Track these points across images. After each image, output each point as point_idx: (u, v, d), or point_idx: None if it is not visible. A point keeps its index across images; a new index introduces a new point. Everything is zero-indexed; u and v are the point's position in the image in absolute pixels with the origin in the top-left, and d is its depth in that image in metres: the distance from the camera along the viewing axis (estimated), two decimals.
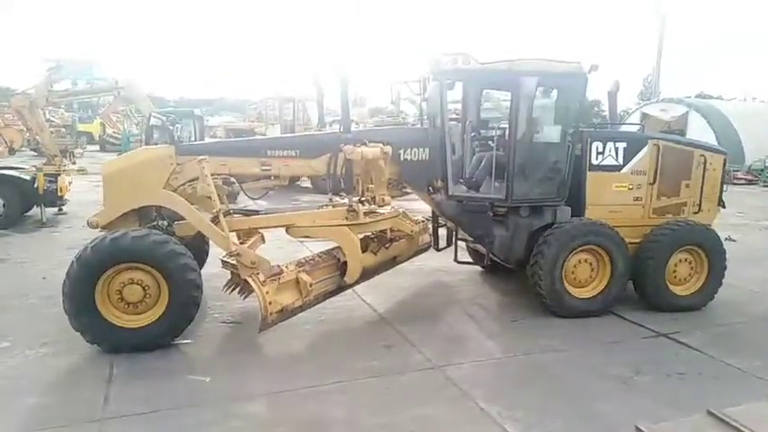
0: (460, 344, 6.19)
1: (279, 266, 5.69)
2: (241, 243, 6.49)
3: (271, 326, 5.44)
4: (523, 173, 6.82)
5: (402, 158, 6.74)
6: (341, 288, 6.32)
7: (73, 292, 5.31)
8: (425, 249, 7.80)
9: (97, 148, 34.54)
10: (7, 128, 24.33)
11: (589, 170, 7.13)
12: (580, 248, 6.80)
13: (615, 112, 8.18)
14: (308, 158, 6.48)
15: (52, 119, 24.65)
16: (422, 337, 6.14)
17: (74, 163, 18.77)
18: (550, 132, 6.95)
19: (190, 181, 6.18)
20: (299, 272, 5.70)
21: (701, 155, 7.62)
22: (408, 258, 7.49)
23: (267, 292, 5.31)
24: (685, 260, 7.27)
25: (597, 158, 7.14)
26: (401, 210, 7.05)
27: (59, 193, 12.04)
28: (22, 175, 12.05)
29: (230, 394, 4.84)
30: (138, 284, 5.47)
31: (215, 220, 5.94)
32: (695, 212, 7.63)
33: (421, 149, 6.78)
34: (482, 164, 7.16)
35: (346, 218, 6.24)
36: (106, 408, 4.56)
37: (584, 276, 6.93)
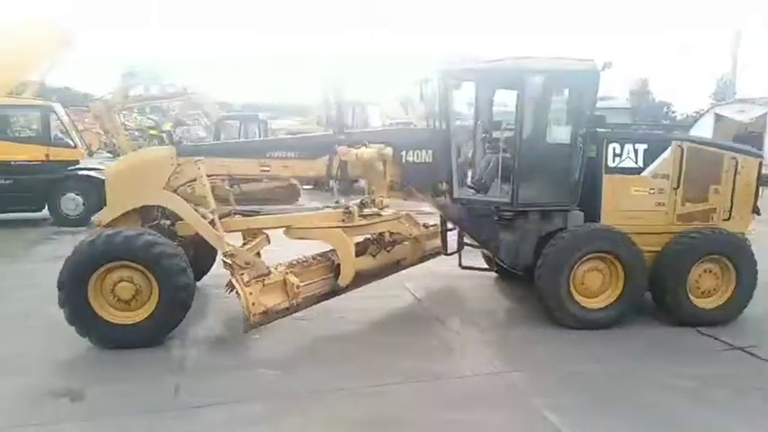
0: (515, 348, 6.12)
1: (267, 267, 5.69)
2: (245, 243, 6.57)
3: (254, 327, 5.43)
4: (530, 176, 6.56)
5: (404, 160, 6.61)
6: (335, 291, 6.24)
7: (67, 283, 5.47)
8: (436, 254, 7.63)
9: None
10: (86, 131, 25.71)
11: (605, 173, 6.76)
12: (589, 256, 6.47)
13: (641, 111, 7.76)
14: (308, 160, 6.46)
15: (126, 123, 25.89)
16: (473, 340, 6.15)
17: None
18: (560, 133, 6.64)
19: (190, 181, 6.28)
20: (286, 273, 5.67)
21: (733, 158, 7.09)
22: (416, 262, 7.34)
23: (250, 293, 5.30)
24: (710, 271, 6.78)
25: (614, 161, 6.76)
26: (403, 212, 6.91)
27: None
28: (101, 176, 12.21)
29: (293, 389, 4.98)
30: (129, 282, 5.60)
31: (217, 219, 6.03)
32: (725, 219, 7.12)
33: (424, 151, 6.63)
34: (490, 166, 6.93)
35: (342, 220, 6.18)
36: (177, 398, 4.77)
37: (596, 286, 6.58)
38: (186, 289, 5.66)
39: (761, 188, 7.28)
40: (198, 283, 6.49)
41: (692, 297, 6.73)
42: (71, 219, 12.46)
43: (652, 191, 6.87)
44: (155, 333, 5.69)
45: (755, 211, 7.29)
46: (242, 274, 5.38)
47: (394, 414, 4.61)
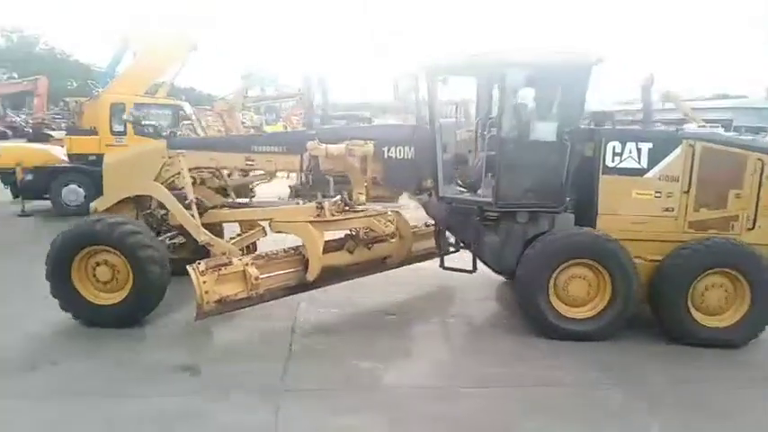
0: (607, 362, 5.77)
1: (229, 258, 5.87)
2: (240, 234, 6.85)
3: (208, 315, 5.61)
4: (513, 175, 6.23)
5: (386, 156, 6.54)
6: (304, 285, 6.29)
7: (52, 261, 5.96)
8: (429, 255, 7.44)
9: None
10: (209, 128, 27.52)
11: (603, 174, 6.26)
12: (572, 263, 6.04)
13: (649, 108, 7.02)
14: (291, 154, 6.59)
15: (245, 121, 27.50)
16: (554, 350, 5.93)
17: None
18: (545, 130, 6.22)
19: (179, 173, 6.62)
20: (247, 265, 5.80)
21: (759, 159, 6.29)
22: (405, 262, 7.19)
23: (204, 282, 5.48)
24: (719, 285, 6.07)
25: (614, 160, 6.24)
26: (386, 210, 6.80)
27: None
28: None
29: (386, 383, 5.24)
30: (106, 265, 6.01)
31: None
32: (749, 229, 6.34)
33: (406, 148, 6.51)
34: (478, 164, 6.67)
35: (316, 215, 6.22)
36: (284, 380, 5.10)
37: (581, 294, 6.12)
38: (159, 278, 5.97)
39: None
40: None
41: (695, 314, 6.06)
42: None
43: (658, 194, 6.27)
44: (128, 315, 6.05)
45: None
46: (198, 263, 5.59)
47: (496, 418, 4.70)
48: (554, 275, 6.04)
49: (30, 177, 12.54)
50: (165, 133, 7.62)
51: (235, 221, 6.94)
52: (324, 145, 6.03)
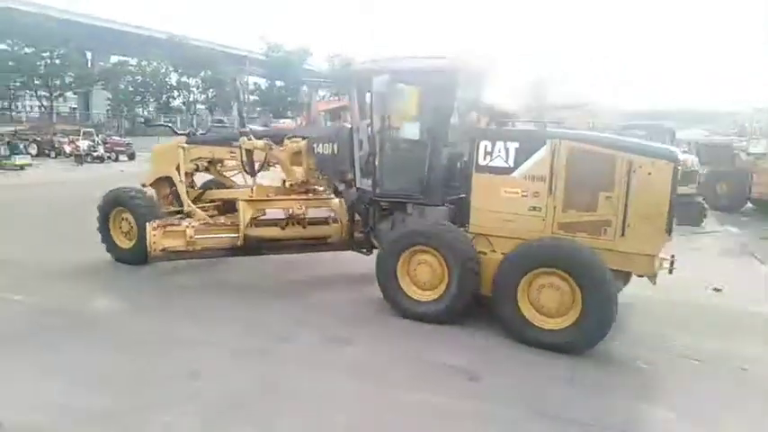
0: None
1: (179, 221, 7.94)
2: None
3: (155, 259, 7.79)
4: (388, 170, 7.01)
5: (316, 151, 7.88)
6: (236, 248, 7.95)
7: (100, 217, 8.80)
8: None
9: None
10: None
11: (476, 171, 6.60)
12: (414, 250, 6.58)
13: (542, 107, 6.76)
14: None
15: None
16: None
17: None
18: (411, 130, 6.82)
19: (192, 160, 8.95)
20: (188, 226, 7.76)
21: (629, 160, 5.90)
22: (347, 247, 8.13)
23: (154, 235, 7.63)
24: (551, 286, 5.94)
25: (485, 159, 6.54)
26: (328, 197, 8.11)
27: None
28: None
29: None
30: (126, 221, 8.64)
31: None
32: (622, 235, 5.98)
33: (330, 144, 7.74)
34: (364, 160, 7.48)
35: (249, 196, 7.93)
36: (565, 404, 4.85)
37: (426, 279, 6.61)
38: (149, 215, 8.12)
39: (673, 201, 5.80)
40: None
41: (527, 314, 6.05)
42: None
43: (525, 194, 6.38)
44: (135, 256, 8.52)
45: (668, 229, 5.85)
46: (154, 221, 7.77)
47: None
48: (401, 259, 6.66)
49: None
50: (185, 131, 9.96)
51: (219, 199, 8.99)
52: (249, 141, 7.72)
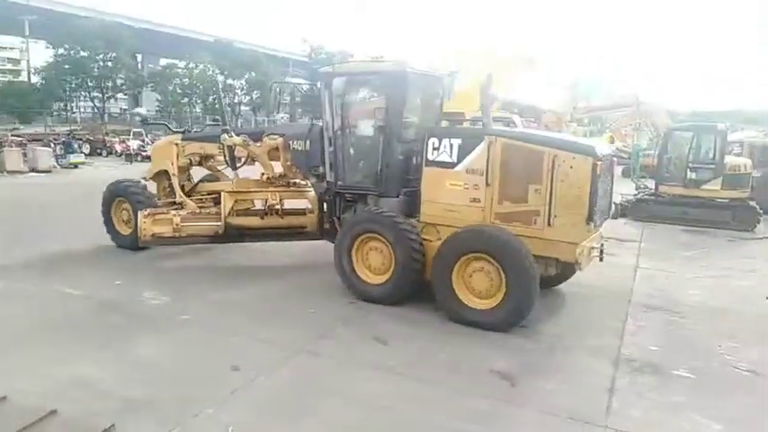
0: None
1: (168, 209, 8.75)
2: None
3: (146, 244, 8.64)
4: (344, 164, 7.65)
5: (291, 147, 8.56)
6: (218, 236, 8.70)
7: (103, 207, 9.75)
8: None
9: None
10: None
11: (425, 165, 7.16)
12: (366, 237, 7.18)
13: (487, 108, 7.13)
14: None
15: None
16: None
17: None
18: (365, 128, 7.43)
19: (186, 155, 9.78)
20: (175, 215, 8.56)
21: (554, 155, 6.34)
22: (325, 236, 8.76)
23: (144, 222, 8.48)
24: (482, 270, 6.44)
25: (433, 154, 7.09)
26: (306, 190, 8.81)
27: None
28: None
29: None
30: (126, 210, 9.54)
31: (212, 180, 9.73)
32: (549, 225, 6.43)
33: (302, 141, 8.41)
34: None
35: (230, 187, 8.69)
36: (608, 416, 4.72)
37: (377, 264, 7.20)
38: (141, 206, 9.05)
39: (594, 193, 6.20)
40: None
41: (461, 295, 6.57)
42: None
43: (466, 186, 6.89)
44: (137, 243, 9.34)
45: (590, 219, 6.27)
46: (145, 210, 8.60)
47: None
48: (355, 245, 7.29)
49: None
50: (180, 129, 10.77)
51: (208, 190, 9.78)
52: (230, 138, 8.47)
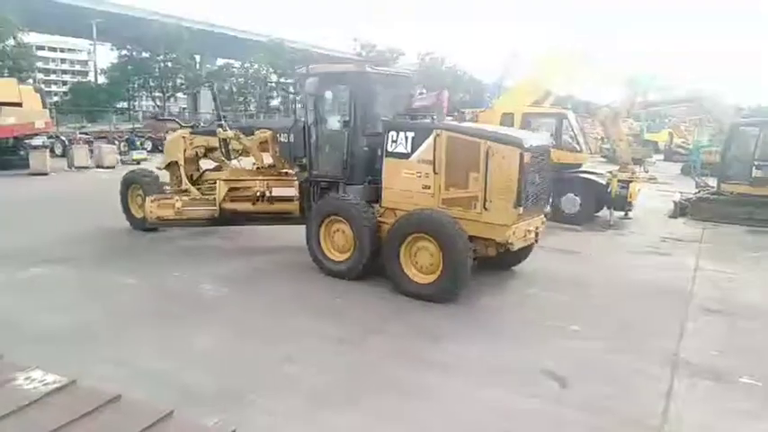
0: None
1: (171, 195, 9.79)
2: None
3: (153, 226, 9.73)
4: (316, 155, 8.51)
5: (279, 140, 9.47)
6: (214, 219, 9.68)
7: (121, 193, 10.96)
8: None
9: (662, 157, 32.75)
10: (586, 136, 25.08)
11: (385, 156, 7.92)
12: (331, 219, 8.00)
13: (441, 108, 7.86)
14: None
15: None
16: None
17: (646, 171, 18.03)
18: (332, 122, 8.23)
19: (194, 147, 10.82)
20: (177, 199, 9.60)
21: (488, 146, 6.97)
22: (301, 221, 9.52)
23: (151, 206, 9.57)
24: (425, 249, 7.17)
25: (391, 146, 7.84)
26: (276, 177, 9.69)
27: (629, 199, 12.89)
28: (599, 179, 13.29)
29: None
30: (139, 195, 10.68)
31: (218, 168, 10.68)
32: (485, 209, 7.08)
33: (288, 135, 9.28)
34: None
35: (226, 176, 9.68)
36: (665, 420, 4.59)
37: (341, 244, 8.03)
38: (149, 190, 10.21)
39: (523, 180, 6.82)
40: None
41: (408, 271, 7.29)
42: (567, 216, 12.90)
43: (419, 175, 7.64)
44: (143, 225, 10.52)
45: (518, 204, 6.87)
46: (151, 195, 9.69)
47: None
48: (323, 227, 8.13)
49: None
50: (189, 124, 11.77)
51: (210, 179, 10.78)
52: (227, 131, 9.45)
